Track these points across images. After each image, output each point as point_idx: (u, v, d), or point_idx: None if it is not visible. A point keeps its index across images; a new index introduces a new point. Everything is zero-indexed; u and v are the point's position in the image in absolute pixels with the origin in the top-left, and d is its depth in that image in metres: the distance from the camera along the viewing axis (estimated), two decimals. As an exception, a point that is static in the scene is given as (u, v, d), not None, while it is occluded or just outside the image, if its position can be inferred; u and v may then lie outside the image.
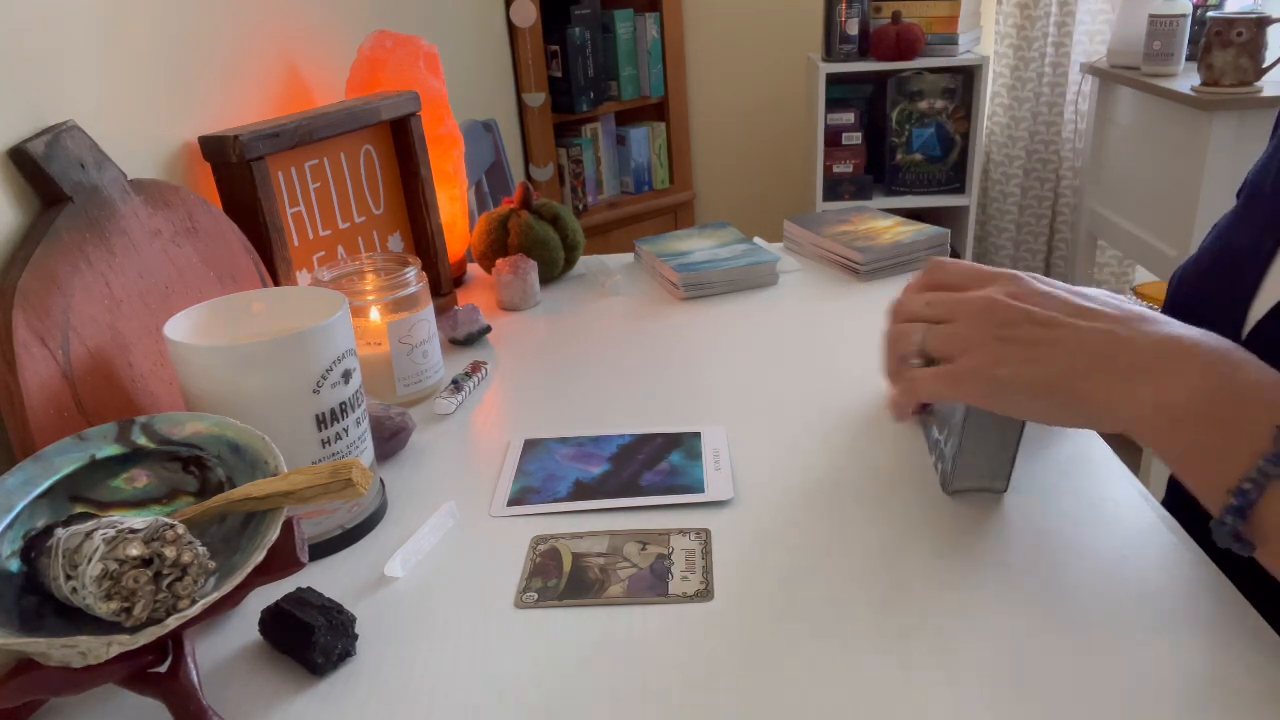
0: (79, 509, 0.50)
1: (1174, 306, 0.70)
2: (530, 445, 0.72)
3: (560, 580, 0.55)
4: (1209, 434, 0.45)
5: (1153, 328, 0.50)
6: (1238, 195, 0.68)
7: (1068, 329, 0.50)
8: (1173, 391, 0.46)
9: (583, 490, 0.65)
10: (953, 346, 0.53)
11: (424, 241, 0.99)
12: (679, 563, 0.56)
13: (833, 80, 2.48)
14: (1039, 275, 0.54)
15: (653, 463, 0.68)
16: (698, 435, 0.71)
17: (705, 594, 0.53)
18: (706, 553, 0.57)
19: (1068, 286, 0.53)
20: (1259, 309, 0.60)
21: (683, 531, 0.59)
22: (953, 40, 2.40)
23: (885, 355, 0.58)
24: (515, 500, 0.64)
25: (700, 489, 0.64)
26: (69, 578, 0.42)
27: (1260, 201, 0.64)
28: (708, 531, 0.59)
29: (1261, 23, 1.75)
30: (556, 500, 0.64)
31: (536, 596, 0.54)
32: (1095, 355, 0.49)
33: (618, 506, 0.63)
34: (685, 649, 0.49)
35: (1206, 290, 0.66)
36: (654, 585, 0.54)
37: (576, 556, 0.58)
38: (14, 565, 0.46)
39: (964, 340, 0.52)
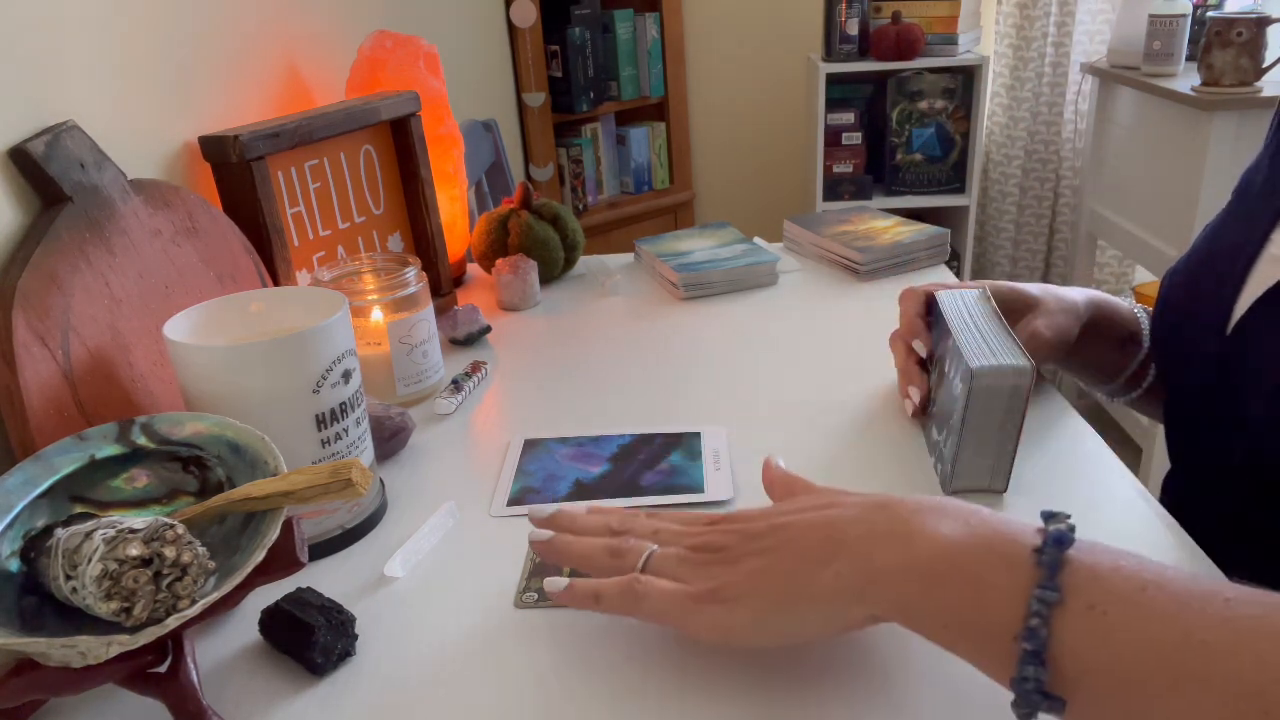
0: (79, 509, 0.50)
1: (1164, 304, 0.71)
2: (530, 445, 0.72)
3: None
4: (965, 586, 0.39)
5: (841, 505, 0.45)
6: (1233, 193, 0.68)
7: (794, 527, 0.45)
8: (910, 549, 0.41)
9: (583, 490, 0.65)
10: (694, 575, 0.47)
11: (424, 241, 0.99)
12: None
13: (833, 80, 2.48)
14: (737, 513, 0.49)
15: (653, 463, 0.68)
16: (698, 435, 0.71)
17: None
18: None
19: (772, 509, 0.48)
20: (1243, 305, 0.60)
21: None
22: (953, 40, 2.40)
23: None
24: (515, 500, 0.64)
25: (700, 489, 0.64)
26: (69, 578, 0.42)
27: (1248, 200, 0.65)
28: None
29: (1261, 23, 1.75)
30: (556, 500, 0.64)
31: (536, 597, 0.54)
32: (821, 545, 0.44)
33: (617, 506, 0.63)
34: (684, 650, 0.49)
35: (1194, 288, 0.66)
36: None
37: None
38: (14, 565, 0.46)
39: (708, 563, 0.46)
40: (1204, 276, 0.65)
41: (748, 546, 0.46)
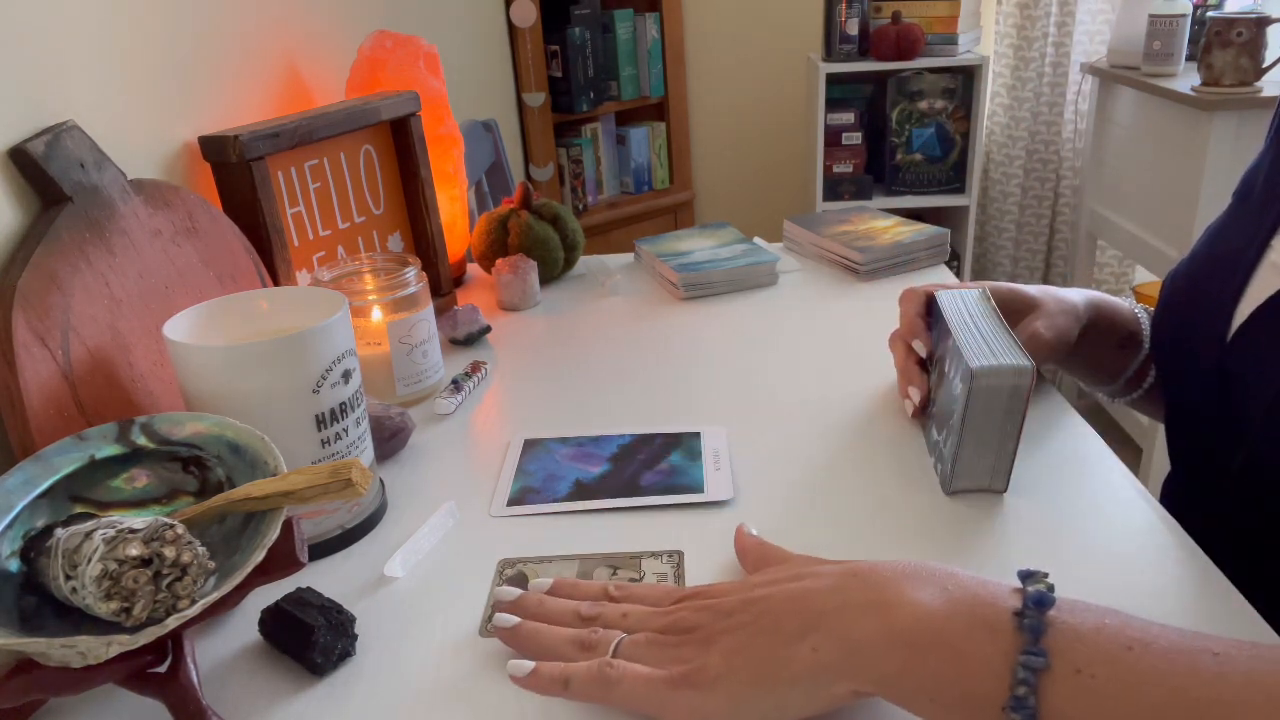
0: (79, 509, 0.50)
1: (1165, 308, 0.71)
2: (530, 445, 0.72)
3: None
4: (948, 656, 0.38)
5: (808, 570, 0.44)
6: (1234, 196, 0.68)
7: (772, 599, 0.44)
8: (888, 620, 0.40)
9: (583, 490, 0.65)
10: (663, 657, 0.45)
11: (424, 241, 0.99)
12: None
13: (833, 80, 2.48)
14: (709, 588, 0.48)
15: (653, 463, 0.68)
16: (697, 435, 0.71)
17: None
18: (679, 576, 0.55)
19: (746, 583, 0.47)
20: (1244, 310, 0.60)
21: (655, 554, 0.57)
22: (953, 40, 2.40)
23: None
24: (515, 500, 0.64)
25: (700, 489, 0.64)
26: (69, 578, 0.42)
27: (1249, 204, 0.65)
28: (680, 554, 0.57)
29: (1261, 23, 1.75)
30: (556, 500, 0.64)
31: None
32: (799, 615, 0.42)
33: (617, 506, 0.63)
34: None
35: (1195, 292, 0.66)
36: None
37: None
38: (14, 565, 0.46)
39: (680, 645, 0.45)
40: (1204, 282, 0.65)
41: (720, 624, 0.44)
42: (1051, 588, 0.38)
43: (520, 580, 0.56)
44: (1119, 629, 0.37)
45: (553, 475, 0.67)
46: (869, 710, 0.44)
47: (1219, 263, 0.64)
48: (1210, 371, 0.63)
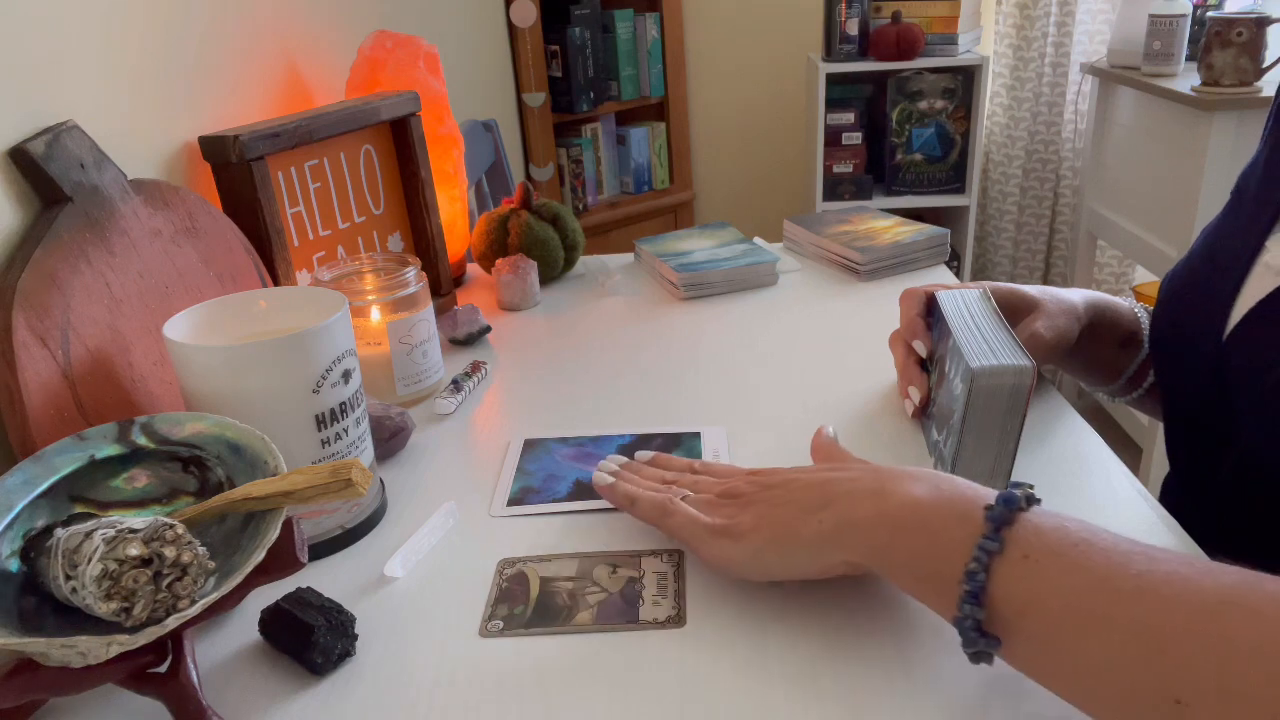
0: (79, 509, 0.50)
1: (1163, 309, 0.71)
2: (530, 445, 0.72)
3: (527, 606, 0.53)
4: (924, 536, 0.45)
5: (846, 465, 0.53)
6: (1232, 193, 0.68)
7: (795, 483, 0.52)
8: (882, 503, 0.47)
9: (583, 490, 0.65)
10: (718, 510, 0.55)
11: (424, 241, 0.99)
12: (650, 586, 0.54)
13: (833, 80, 2.48)
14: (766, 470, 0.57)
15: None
16: (697, 435, 0.71)
17: (677, 620, 0.51)
18: (679, 575, 0.55)
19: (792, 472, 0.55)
20: (1240, 310, 0.60)
21: (655, 553, 0.57)
22: (953, 40, 2.40)
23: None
24: (515, 500, 0.64)
25: None
26: (69, 578, 0.42)
27: (1244, 205, 0.65)
28: (680, 553, 0.57)
29: (1261, 23, 1.75)
30: (557, 500, 0.64)
31: (502, 625, 0.52)
32: (816, 493, 0.50)
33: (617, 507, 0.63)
34: (683, 651, 0.49)
35: (1192, 292, 0.66)
36: (624, 611, 0.52)
37: (544, 581, 0.56)
38: (14, 565, 0.46)
39: (726, 505, 0.55)
40: (1201, 282, 0.65)
41: (760, 495, 0.53)
42: (1031, 497, 0.44)
43: (520, 580, 0.56)
44: (1076, 530, 0.41)
45: (553, 475, 0.67)
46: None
47: (1215, 263, 0.64)
48: (1206, 371, 0.63)
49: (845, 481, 0.50)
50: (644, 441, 0.71)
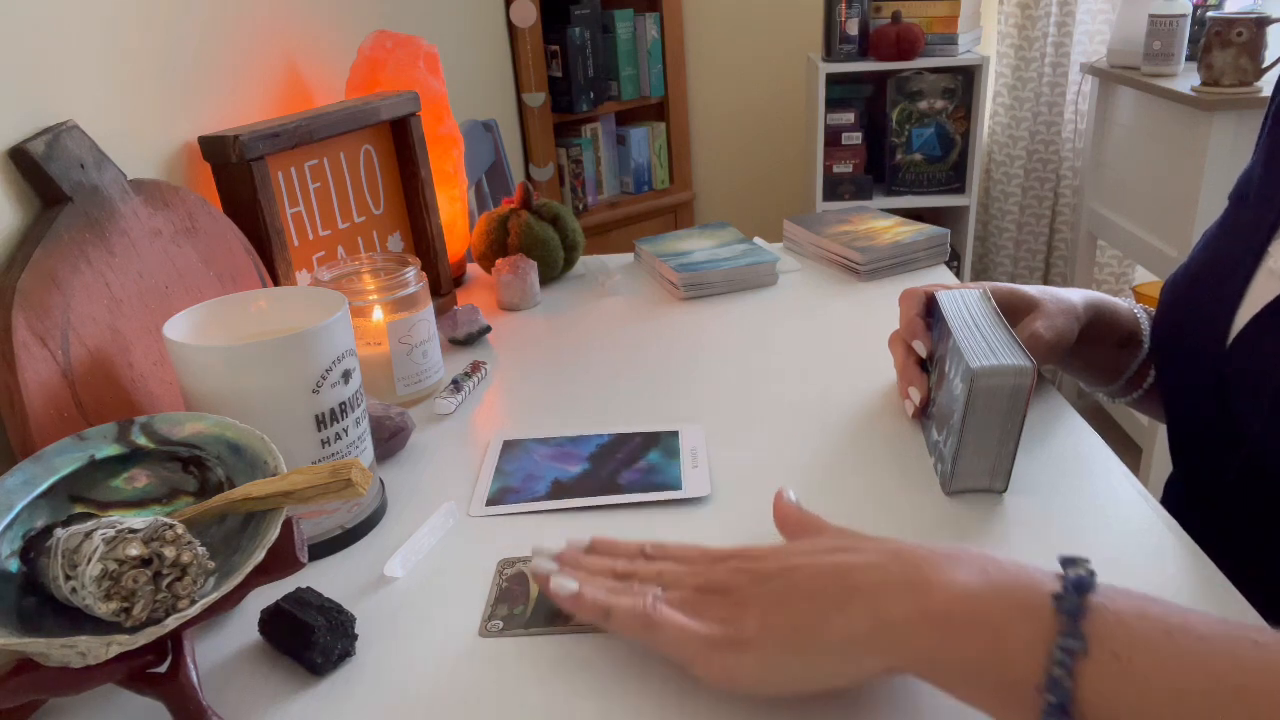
0: (79, 509, 0.50)
1: (1163, 315, 0.71)
2: (509, 445, 0.72)
3: (527, 607, 0.53)
4: (984, 636, 0.38)
5: (849, 543, 0.45)
6: (1229, 199, 0.68)
7: (802, 570, 0.44)
8: (926, 599, 0.40)
9: (561, 489, 0.65)
10: (707, 612, 0.46)
11: (424, 241, 0.99)
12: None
13: (833, 80, 2.48)
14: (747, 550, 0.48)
15: (631, 461, 0.68)
16: (675, 434, 0.71)
17: None
18: None
19: (785, 549, 0.47)
20: (1243, 318, 0.60)
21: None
22: (953, 40, 2.40)
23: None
24: (494, 500, 0.64)
25: (678, 487, 0.64)
26: (69, 578, 0.42)
27: (1244, 210, 0.65)
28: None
29: (1261, 23, 1.75)
30: (535, 500, 0.64)
31: (502, 625, 0.52)
32: (834, 587, 0.42)
33: (596, 504, 0.63)
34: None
35: (1194, 298, 0.66)
36: None
37: None
38: (14, 565, 0.46)
39: (719, 605, 0.46)
40: (1203, 288, 0.65)
41: (756, 590, 0.44)
42: (1092, 573, 0.38)
43: (520, 580, 0.56)
44: (1160, 615, 0.36)
45: (531, 475, 0.67)
46: (891, 700, 0.45)
47: (1216, 269, 0.64)
48: (1209, 377, 0.63)
49: (867, 569, 0.42)
50: (622, 440, 0.71)
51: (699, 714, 0.45)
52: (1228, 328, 0.61)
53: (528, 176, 2.50)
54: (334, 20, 1.14)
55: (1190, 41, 1.99)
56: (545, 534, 0.60)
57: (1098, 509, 0.59)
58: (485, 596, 0.55)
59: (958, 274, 2.43)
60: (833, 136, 2.50)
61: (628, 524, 0.61)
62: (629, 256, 1.15)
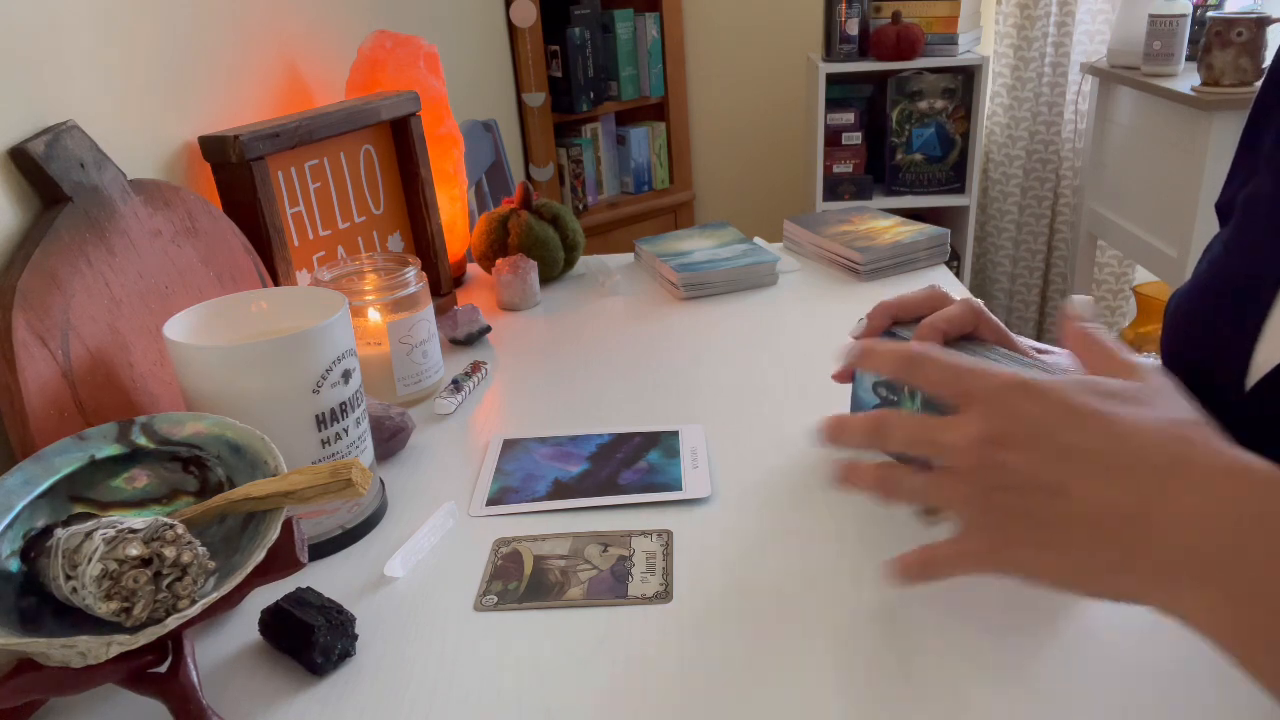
0: (79, 509, 0.50)
1: (1172, 338, 0.65)
2: (509, 445, 0.72)
3: (520, 583, 0.55)
4: None
5: (1177, 490, 0.37)
6: (1217, 210, 0.64)
7: (1078, 501, 0.38)
8: (1227, 593, 0.35)
9: (561, 489, 0.65)
10: (951, 508, 0.43)
11: (424, 241, 0.99)
12: (639, 564, 0.56)
13: (833, 80, 2.48)
14: (1029, 381, 0.41)
15: (631, 461, 0.68)
16: (675, 434, 0.71)
17: (664, 595, 0.53)
18: (668, 554, 0.57)
19: (1061, 396, 0.40)
20: (1264, 355, 0.54)
21: (645, 533, 0.59)
22: (953, 40, 2.40)
23: (873, 489, 0.47)
24: (494, 500, 0.64)
25: (678, 487, 0.64)
26: (69, 578, 0.42)
27: (1253, 233, 0.58)
28: (669, 533, 0.59)
29: (1261, 23, 1.75)
30: (535, 500, 0.64)
31: (496, 600, 0.54)
32: (1118, 545, 0.38)
33: (596, 505, 0.63)
34: (684, 652, 0.49)
35: (1207, 336, 0.58)
36: (614, 587, 0.54)
37: (538, 559, 0.57)
38: (14, 565, 0.46)
39: (964, 504, 0.42)
40: (1214, 321, 0.59)
41: (1032, 502, 0.39)
42: None
43: (515, 558, 0.57)
44: None
45: (531, 475, 0.67)
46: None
47: (1228, 299, 0.58)
48: (1228, 421, 0.55)
49: (1182, 536, 0.36)
50: (622, 440, 0.71)
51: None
52: (1245, 367, 0.55)
53: (528, 176, 2.50)
54: (334, 20, 1.14)
55: (1190, 41, 1.99)
56: (550, 532, 0.60)
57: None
58: (481, 576, 0.55)
59: (957, 274, 2.43)
60: (833, 136, 2.50)
61: (628, 524, 0.61)
62: (629, 256, 1.15)
